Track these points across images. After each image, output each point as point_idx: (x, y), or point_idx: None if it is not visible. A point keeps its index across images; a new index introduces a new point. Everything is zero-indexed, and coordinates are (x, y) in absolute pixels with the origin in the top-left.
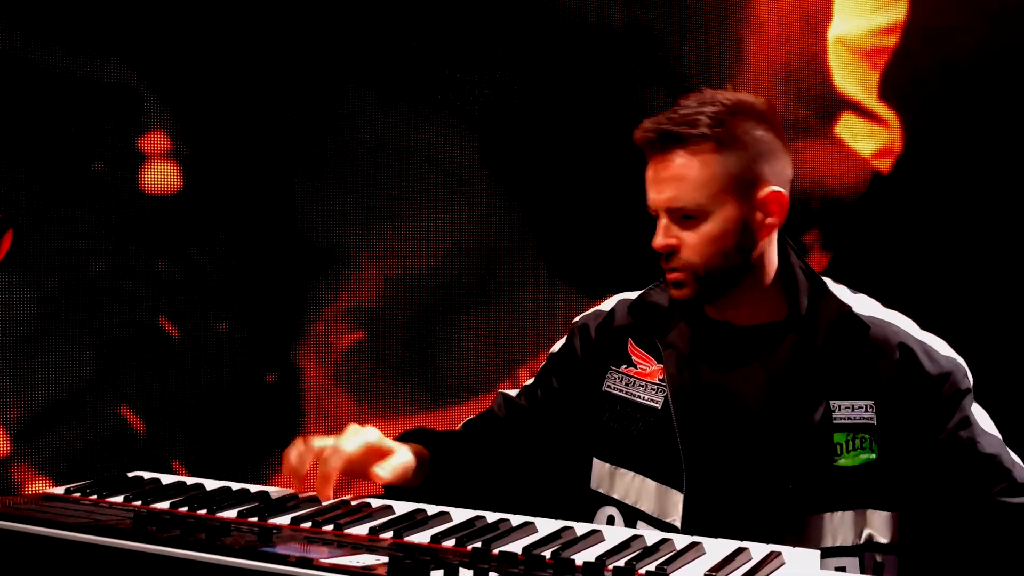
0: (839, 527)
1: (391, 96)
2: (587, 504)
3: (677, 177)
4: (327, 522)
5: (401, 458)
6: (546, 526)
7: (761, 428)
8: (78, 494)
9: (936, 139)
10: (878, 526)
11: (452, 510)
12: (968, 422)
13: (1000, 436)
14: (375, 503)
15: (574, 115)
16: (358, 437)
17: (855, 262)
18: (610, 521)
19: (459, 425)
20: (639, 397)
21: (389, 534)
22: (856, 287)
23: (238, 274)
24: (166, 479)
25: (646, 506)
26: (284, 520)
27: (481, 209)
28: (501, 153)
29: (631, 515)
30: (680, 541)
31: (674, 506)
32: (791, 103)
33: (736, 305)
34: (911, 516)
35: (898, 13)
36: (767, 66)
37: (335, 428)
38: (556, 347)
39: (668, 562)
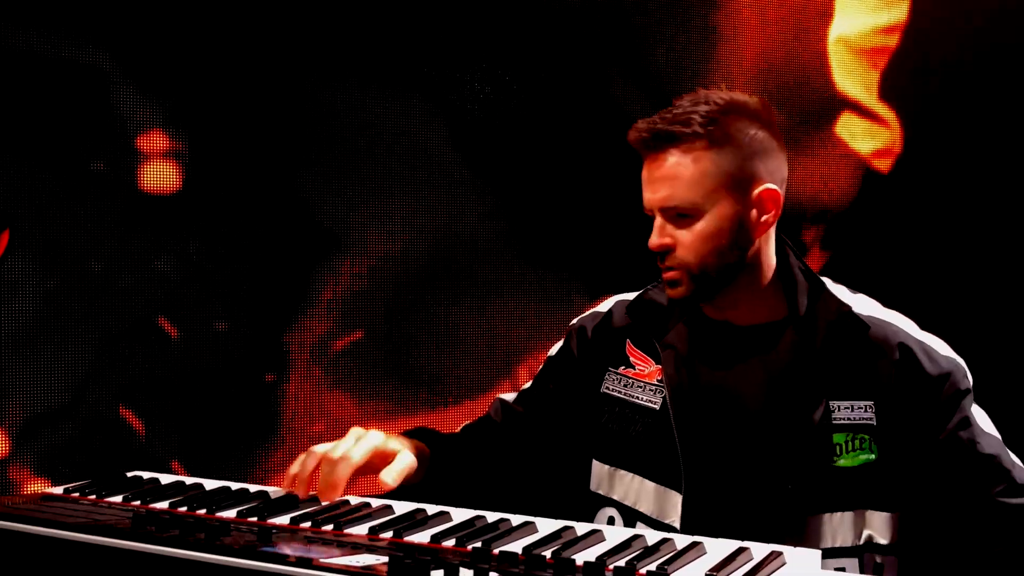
0: (838, 528)
1: (391, 94)
2: (587, 506)
3: (671, 176)
4: (327, 522)
5: (404, 461)
6: (546, 526)
7: (760, 428)
8: (77, 494)
9: (936, 139)
10: (878, 527)
11: (452, 510)
12: (968, 422)
13: (1000, 436)
14: (375, 503)
15: (561, 112)
16: (364, 443)
17: (854, 262)
18: (610, 522)
19: (458, 429)
20: (637, 398)
21: (389, 534)
22: (855, 287)
23: (237, 273)
24: (165, 479)
25: (645, 507)
26: (284, 520)
27: (465, 206)
28: (485, 150)
29: (631, 516)
30: (681, 541)
31: (673, 507)
32: (792, 101)
33: (735, 305)
34: (911, 517)
35: (899, 13)
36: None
37: (335, 428)
38: (553, 350)
39: (669, 562)
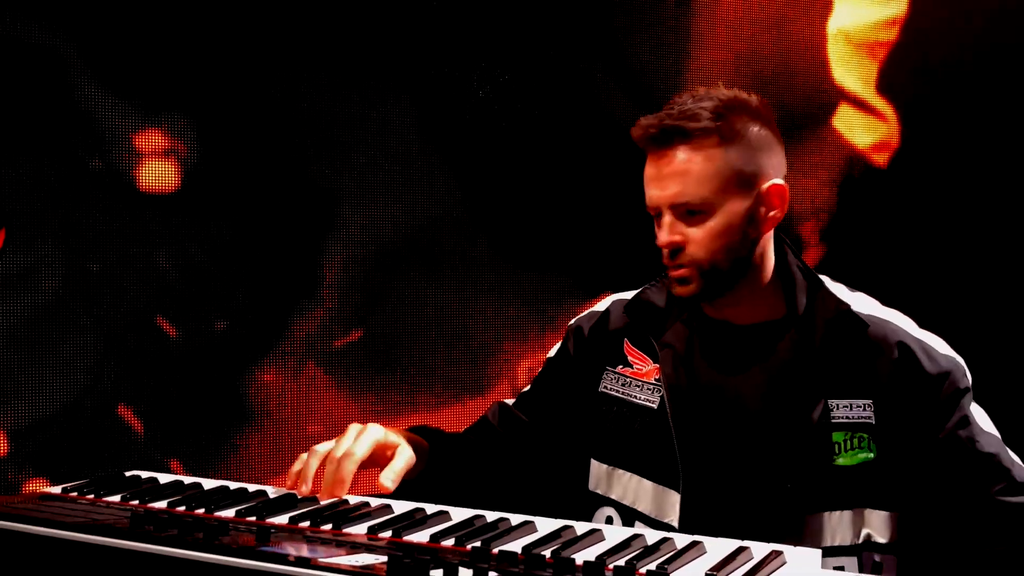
0: (837, 527)
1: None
2: (586, 505)
3: (681, 172)
4: (326, 521)
5: (403, 457)
6: (546, 525)
7: (759, 427)
8: (75, 493)
9: (934, 134)
10: (876, 526)
11: (451, 509)
12: (967, 421)
13: (999, 435)
14: (374, 502)
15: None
16: (365, 437)
17: (851, 257)
18: (608, 522)
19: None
20: (635, 397)
21: (388, 533)
22: (851, 281)
23: (236, 273)
24: (163, 478)
25: (643, 507)
26: (282, 519)
27: (463, 206)
28: (456, 142)
29: (629, 516)
30: (681, 540)
31: (671, 506)
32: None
33: (735, 303)
34: (910, 516)
35: (899, 7)
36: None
37: (335, 427)
38: (552, 351)
39: (669, 561)
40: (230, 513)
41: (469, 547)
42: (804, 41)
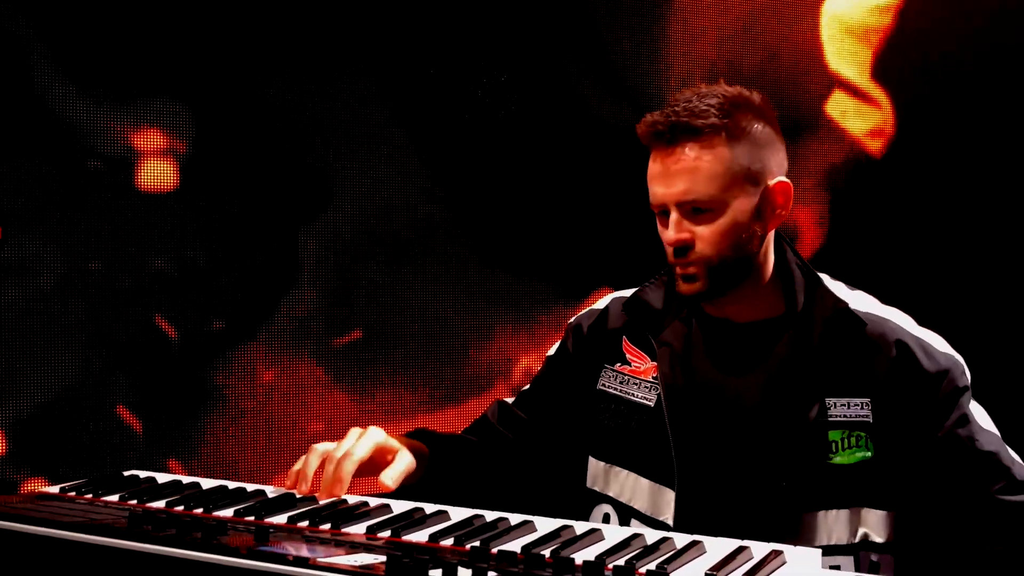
0: (834, 526)
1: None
2: (583, 503)
3: (689, 170)
4: (324, 521)
5: (404, 460)
6: (545, 525)
7: (755, 425)
8: (73, 493)
9: (930, 121)
10: (874, 525)
11: (450, 509)
12: (966, 419)
13: (999, 433)
14: (373, 502)
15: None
16: (366, 439)
17: (846, 249)
18: (606, 519)
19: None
20: (633, 395)
21: (387, 533)
22: (847, 273)
23: (235, 273)
24: (162, 478)
25: (640, 504)
26: (281, 519)
27: (437, 201)
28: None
29: (626, 513)
30: (680, 540)
31: (667, 504)
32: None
33: (737, 301)
34: (907, 515)
35: None
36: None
37: (333, 426)
38: (551, 350)
39: (668, 561)
40: (228, 513)
41: (468, 547)
42: (797, 27)
